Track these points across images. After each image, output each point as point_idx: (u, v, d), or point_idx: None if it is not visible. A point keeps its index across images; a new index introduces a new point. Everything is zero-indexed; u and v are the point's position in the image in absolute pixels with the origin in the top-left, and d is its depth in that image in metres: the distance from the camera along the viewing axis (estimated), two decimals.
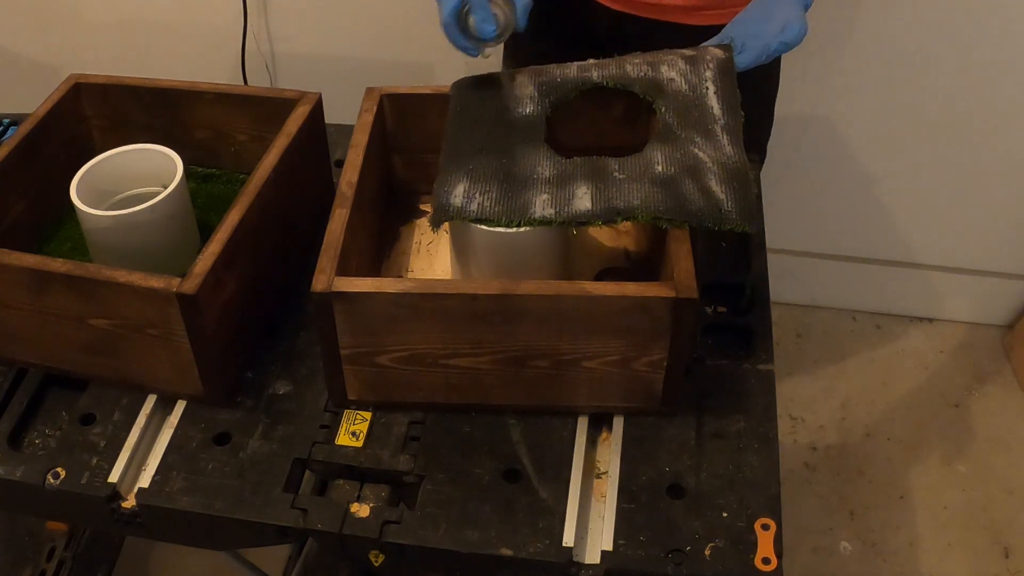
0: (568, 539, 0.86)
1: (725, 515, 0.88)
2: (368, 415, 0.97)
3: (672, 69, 1.03)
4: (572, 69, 1.04)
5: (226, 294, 0.94)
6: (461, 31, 1.01)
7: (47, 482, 0.92)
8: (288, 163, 1.04)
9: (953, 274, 2.08)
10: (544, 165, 0.96)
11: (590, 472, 0.93)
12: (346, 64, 1.92)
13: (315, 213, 1.06)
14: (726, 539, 0.86)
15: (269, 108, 1.12)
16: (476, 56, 1.03)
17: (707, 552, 0.85)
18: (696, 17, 1.22)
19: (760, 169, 1.26)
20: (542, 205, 0.92)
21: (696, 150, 0.95)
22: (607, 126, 1.10)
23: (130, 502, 0.92)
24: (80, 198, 1.02)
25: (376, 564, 0.90)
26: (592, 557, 0.86)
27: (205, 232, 1.09)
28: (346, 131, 1.10)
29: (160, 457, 0.94)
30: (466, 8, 1.00)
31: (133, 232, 1.02)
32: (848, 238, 2.05)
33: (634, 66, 1.03)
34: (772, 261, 1.11)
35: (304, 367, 1.02)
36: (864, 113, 1.81)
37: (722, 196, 0.91)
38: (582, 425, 0.96)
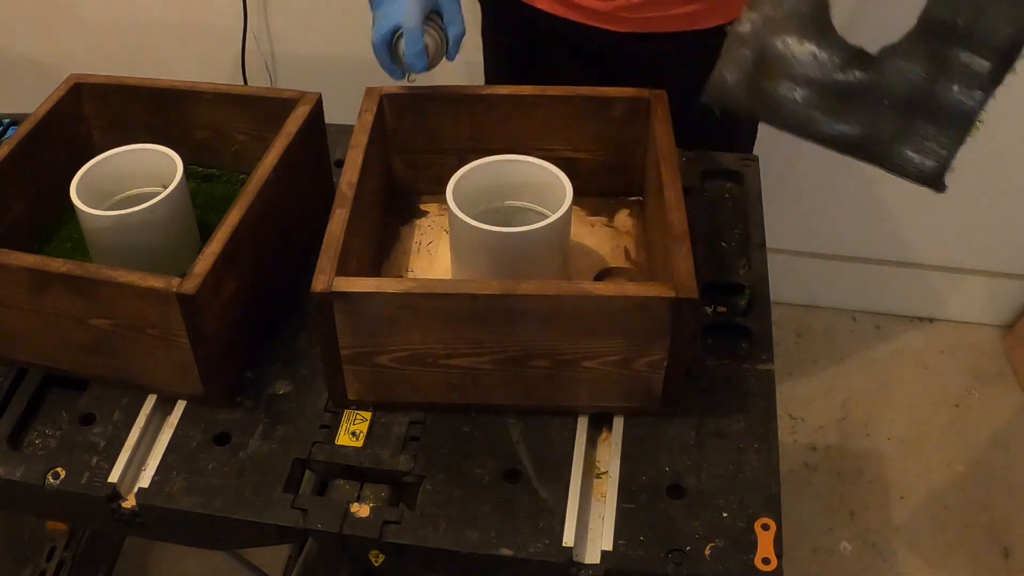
0: (568, 539, 0.86)
1: (725, 515, 0.88)
2: (368, 415, 0.97)
3: None
4: None
5: (226, 294, 0.94)
6: (391, 56, 1.03)
7: (47, 482, 0.92)
8: (288, 163, 1.04)
9: (953, 274, 2.08)
10: None
11: (590, 472, 0.93)
12: (346, 64, 1.92)
13: (315, 213, 1.06)
14: (726, 539, 0.86)
15: (269, 108, 1.12)
16: (401, 80, 1.05)
17: (707, 552, 0.85)
18: (700, 20, 1.21)
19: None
20: None
21: None
22: (606, 126, 1.10)
23: (130, 502, 0.92)
24: (80, 198, 1.02)
25: (376, 564, 0.90)
26: (592, 557, 0.86)
27: (205, 232, 1.09)
28: (346, 131, 1.10)
29: (160, 457, 0.94)
30: (398, 34, 1.01)
31: (133, 232, 1.02)
32: (848, 238, 2.06)
33: None
34: (772, 261, 1.11)
35: (304, 367, 1.02)
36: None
37: None
38: (582, 425, 0.96)
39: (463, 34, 1.06)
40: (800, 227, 2.03)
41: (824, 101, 0.94)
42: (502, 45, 1.38)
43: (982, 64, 0.87)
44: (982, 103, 0.88)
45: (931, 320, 2.17)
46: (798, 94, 0.94)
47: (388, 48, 1.02)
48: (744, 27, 0.94)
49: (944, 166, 0.93)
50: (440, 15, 1.05)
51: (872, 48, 0.94)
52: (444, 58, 1.06)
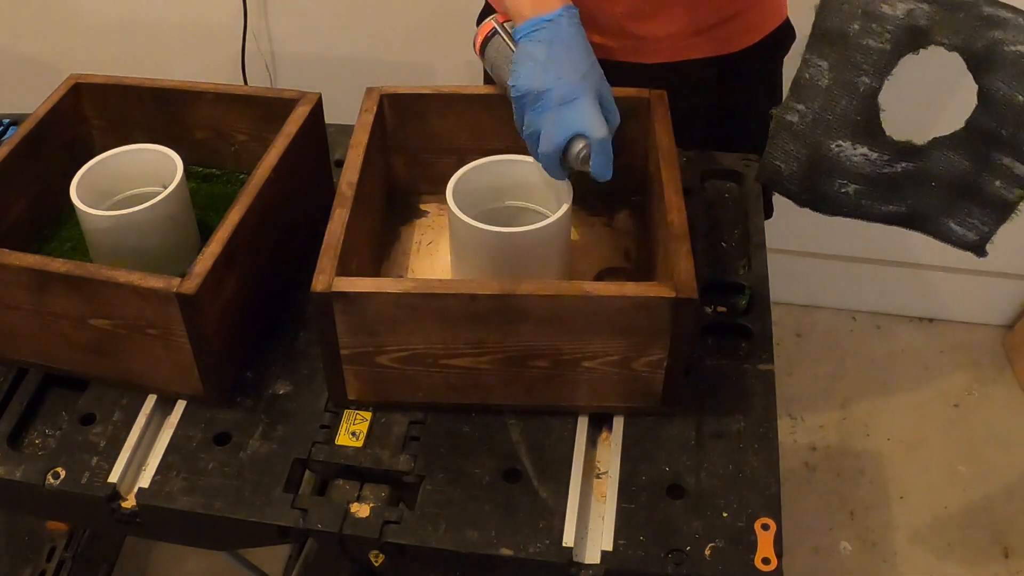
0: (568, 539, 0.86)
1: (725, 515, 0.88)
2: (368, 415, 0.97)
3: None
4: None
5: (226, 294, 0.94)
6: (561, 162, 0.95)
7: (47, 482, 0.92)
8: (288, 163, 1.04)
9: (953, 274, 2.08)
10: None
11: (590, 472, 0.93)
12: (346, 64, 1.93)
13: (315, 213, 1.06)
14: (726, 539, 0.86)
15: (269, 108, 1.12)
16: (563, 179, 0.98)
17: (707, 552, 0.85)
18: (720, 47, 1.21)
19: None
20: None
21: None
22: None
23: (130, 502, 0.92)
24: (80, 198, 1.02)
25: (376, 564, 0.90)
26: (592, 557, 0.86)
27: (205, 232, 1.09)
28: (346, 131, 1.10)
29: (160, 457, 0.94)
30: (578, 145, 0.93)
31: (133, 232, 1.02)
32: (848, 238, 2.05)
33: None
34: (772, 261, 1.11)
35: (304, 367, 1.02)
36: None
37: None
38: (582, 425, 0.96)
39: (618, 124, 0.97)
40: (800, 227, 2.02)
41: (875, 191, 0.98)
42: None
43: (1022, 169, 0.89)
44: (1022, 198, 0.91)
45: (931, 320, 2.17)
46: (851, 188, 0.97)
47: (560, 156, 0.93)
48: (792, 117, 0.95)
49: (985, 239, 0.96)
50: (602, 105, 0.95)
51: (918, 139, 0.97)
52: None
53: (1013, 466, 1.89)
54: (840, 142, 0.95)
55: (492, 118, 1.10)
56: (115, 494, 0.92)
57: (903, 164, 0.94)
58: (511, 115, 1.08)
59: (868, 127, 0.94)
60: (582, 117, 0.91)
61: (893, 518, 1.80)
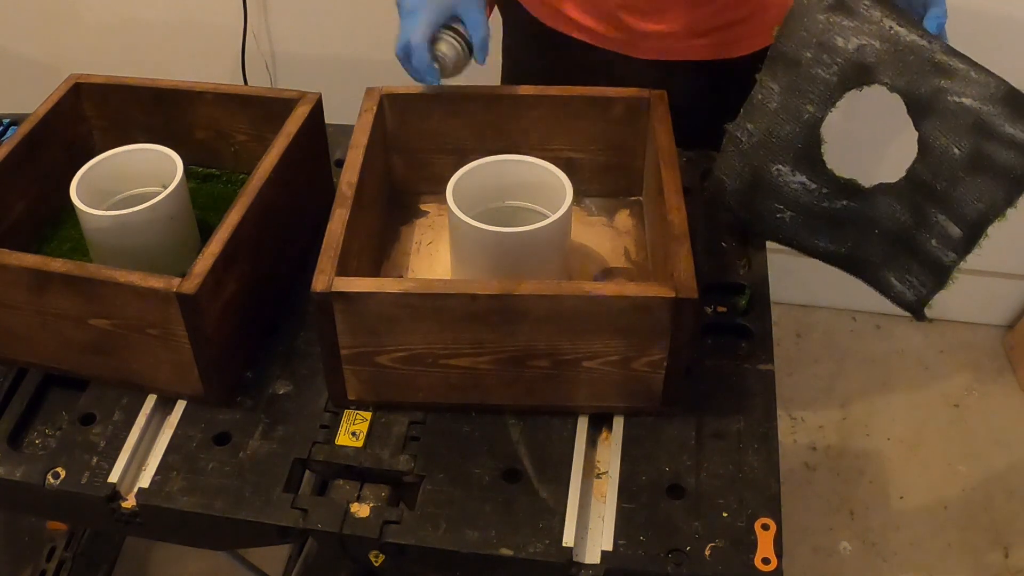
0: (568, 539, 0.86)
1: (725, 515, 0.88)
2: (368, 415, 0.97)
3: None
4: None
5: (226, 294, 0.94)
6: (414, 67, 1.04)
7: (47, 482, 0.92)
8: (288, 163, 1.04)
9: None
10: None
11: (590, 472, 0.93)
12: (346, 64, 1.92)
13: (315, 213, 1.06)
14: (726, 539, 0.86)
15: (269, 108, 1.12)
16: (435, 83, 1.05)
17: (707, 552, 0.85)
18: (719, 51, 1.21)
19: None
20: None
21: None
22: (606, 126, 1.10)
23: (130, 502, 0.92)
24: (80, 198, 1.02)
25: (376, 564, 0.90)
26: (592, 557, 0.86)
27: (205, 232, 1.09)
28: (346, 131, 1.10)
29: (160, 457, 0.94)
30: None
31: (133, 232, 1.02)
32: None
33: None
34: (772, 261, 1.11)
35: (304, 367, 1.02)
36: (864, 112, 1.81)
37: None
38: (582, 425, 0.96)
39: (487, 37, 1.05)
40: None
41: (812, 223, 0.99)
42: (529, 70, 1.35)
43: (955, 230, 0.91)
44: (955, 263, 0.92)
45: (931, 320, 2.16)
46: (787, 215, 0.99)
47: (409, 60, 1.04)
48: (741, 135, 0.97)
49: (923, 301, 0.97)
50: (463, 22, 1.05)
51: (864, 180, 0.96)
52: (470, 63, 1.06)
53: (1013, 466, 1.89)
54: (780, 166, 0.96)
55: (492, 118, 1.10)
56: (115, 494, 0.92)
57: (844, 202, 0.95)
58: (511, 115, 1.08)
59: (808, 156, 0.95)
60: (408, 27, 1.03)
61: (893, 518, 1.80)
